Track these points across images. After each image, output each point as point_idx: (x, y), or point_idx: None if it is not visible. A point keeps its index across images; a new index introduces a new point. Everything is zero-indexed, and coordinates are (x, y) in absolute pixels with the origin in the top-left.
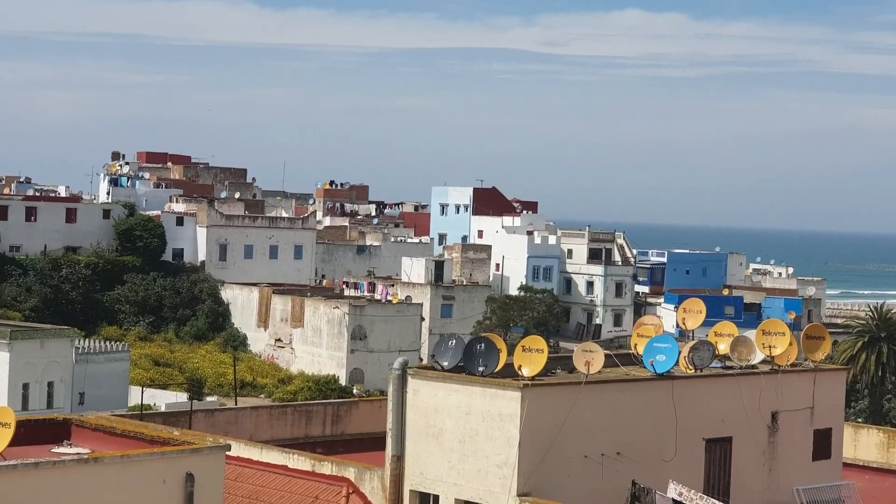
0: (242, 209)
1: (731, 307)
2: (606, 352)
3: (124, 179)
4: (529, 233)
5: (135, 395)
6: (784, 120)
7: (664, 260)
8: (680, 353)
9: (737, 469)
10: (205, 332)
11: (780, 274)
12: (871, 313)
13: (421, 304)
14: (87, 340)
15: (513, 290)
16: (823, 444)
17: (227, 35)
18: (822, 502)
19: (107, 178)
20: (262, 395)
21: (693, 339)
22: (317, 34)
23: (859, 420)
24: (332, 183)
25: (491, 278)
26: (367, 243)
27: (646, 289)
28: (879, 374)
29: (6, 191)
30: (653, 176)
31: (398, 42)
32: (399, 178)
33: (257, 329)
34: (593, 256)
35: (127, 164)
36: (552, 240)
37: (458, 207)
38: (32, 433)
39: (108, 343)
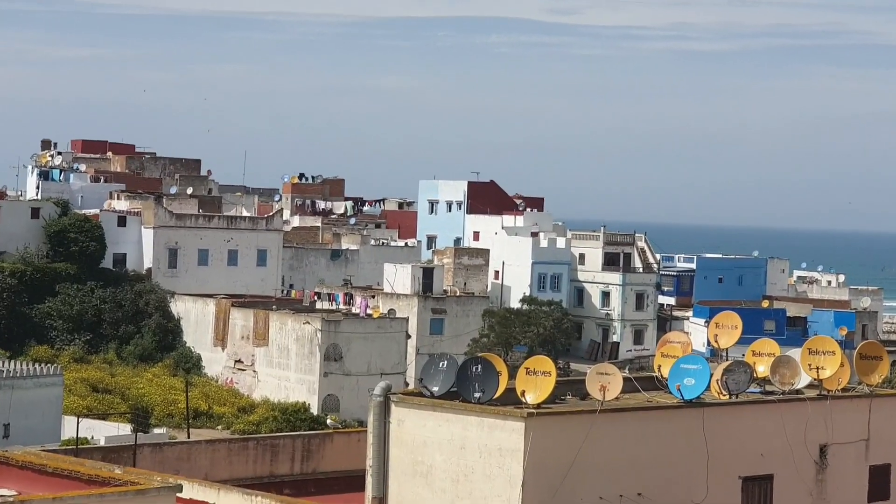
0: (196, 207)
1: (772, 322)
2: (625, 374)
3: (56, 172)
4: (534, 234)
5: (69, 427)
6: (834, 102)
7: (693, 266)
8: (712, 375)
9: None
10: (151, 353)
11: (829, 282)
12: None
13: (406, 319)
14: (11, 362)
15: (515, 303)
16: (881, 483)
17: (177, 1)
18: None
19: (35, 171)
20: (219, 427)
21: (727, 360)
22: (282, 0)
23: None
24: (301, 176)
25: (489, 288)
26: (343, 247)
27: (671, 300)
28: None
29: None
30: (679, 168)
31: (379, 10)
32: (380, 170)
33: (213, 349)
34: (609, 262)
35: (59, 154)
36: (561, 243)
37: (449, 205)
38: None
39: (37, 366)
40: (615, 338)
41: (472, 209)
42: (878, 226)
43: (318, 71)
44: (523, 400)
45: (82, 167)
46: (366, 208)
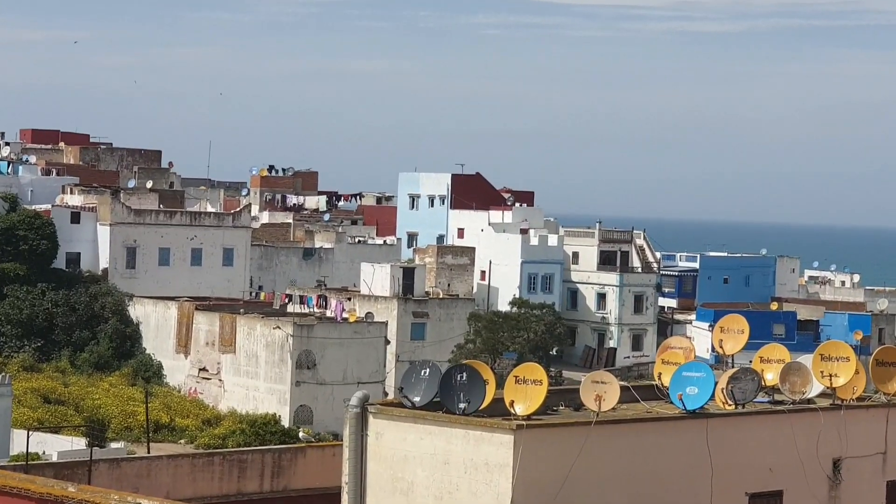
0: (156, 202)
1: (782, 325)
2: (623, 383)
3: (3, 165)
4: (524, 231)
5: (18, 442)
6: (850, 88)
7: (696, 266)
8: (716, 384)
9: None
10: (108, 361)
11: (843, 283)
12: None
13: (385, 324)
14: None
15: (503, 306)
16: None
17: None
18: None
19: None
20: (182, 441)
21: (733, 367)
22: None
23: None
24: (270, 169)
25: (475, 290)
26: (317, 245)
27: (673, 302)
28: None
29: None
30: (681, 159)
31: None
32: (357, 162)
33: (176, 356)
34: (605, 261)
35: (6, 144)
36: (553, 240)
37: (432, 199)
38: None
39: None
40: (612, 343)
41: (456, 204)
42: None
43: (290, 54)
44: (512, 411)
45: (32, 159)
46: (341, 203)
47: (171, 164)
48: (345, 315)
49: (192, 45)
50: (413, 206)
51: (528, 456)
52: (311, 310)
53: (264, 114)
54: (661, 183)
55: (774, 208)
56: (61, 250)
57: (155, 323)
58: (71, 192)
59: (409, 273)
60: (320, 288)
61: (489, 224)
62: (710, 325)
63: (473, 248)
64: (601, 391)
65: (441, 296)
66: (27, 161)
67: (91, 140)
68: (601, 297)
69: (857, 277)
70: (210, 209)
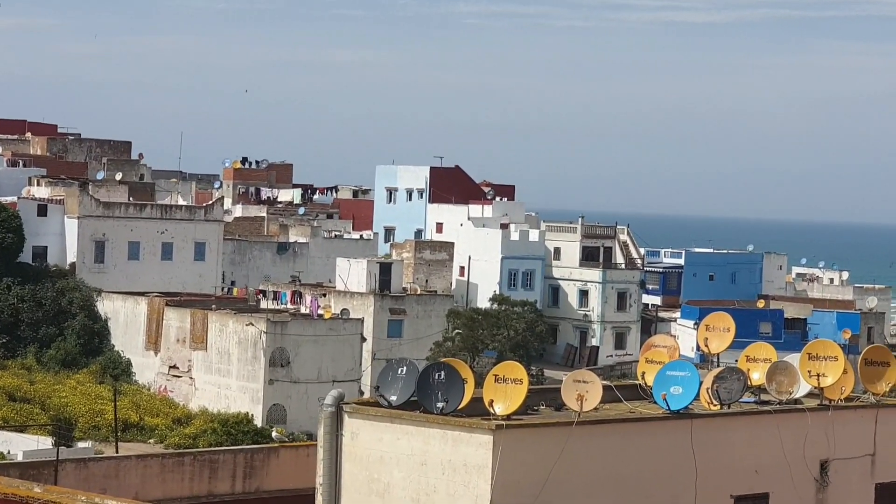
0: (126, 195)
1: (768, 324)
2: (605, 382)
3: None
4: (504, 226)
5: None
6: (840, 81)
7: (681, 262)
8: (701, 384)
9: None
10: (76, 357)
11: (831, 280)
12: None
13: (361, 320)
14: None
15: (482, 302)
16: (888, 503)
17: None
18: None
19: None
20: (151, 440)
21: (718, 366)
22: None
23: None
24: (244, 161)
25: (454, 286)
26: (291, 240)
27: (657, 300)
28: None
29: None
30: (666, 153)
31: None
32: (333, 154)
33: (145, 353)
34: (588, 257)
35: None
36: (534, 235)
37: (409, 193)
38: None
39: None
40: (594, 342)
41: (434, 198)
42: (885, 218)
43: (264, 43)
44: (491, 411)
45: None
46: (316, 196)
47: (141, 155)
48: (320, 311)
49: (163, 33)
50: (390, 200)
51: (507, 457)
52: (285, 306)
53: (238, 105)
54: (645, 177)
55: (762, 203)
56: (27, 244)
57: (124, 319)
58: (38, 184)
59: (385, 269)
60: (294, 283)
61: (468, 218)
62: (695, 323)
63: (452, 244)
64: (583, 390)
65: (419, 292)
66: None
67: (59, 131)
68: (583, 294)
69: (845, 275)
70: (181, 202)
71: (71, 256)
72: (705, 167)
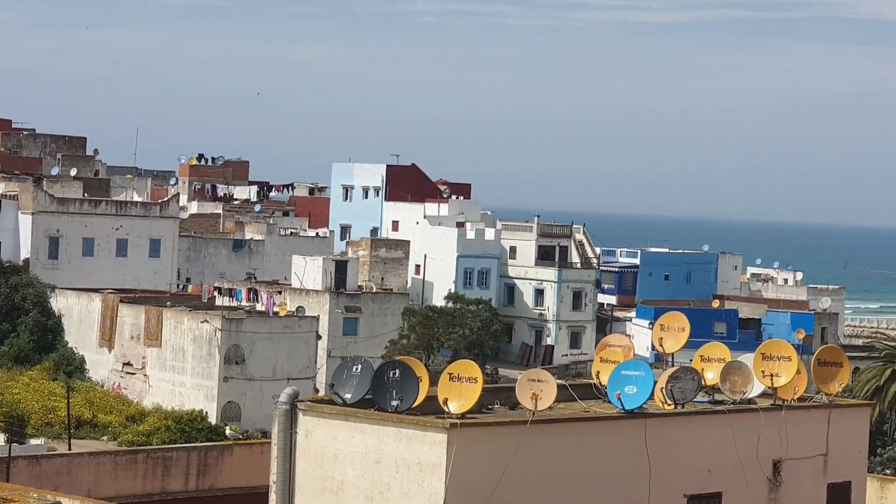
0: (80, 191)
1: (723, 324)
2: (560, 381)
3: None
4: (460, 225)
5: None
6: (796, 82)
7: (636, 261)
8: (655, 383)
9: None
10: (28, 354)
11: (786, 281)
12: None
13: (317, 318)
14: None
15: (438, 301)
16: (840, 503)
17: None
18: None
19: None
20: (104, 438)
21: (673, 366)
22: None
23: (887, 472)
24: (200, 158)
25: (409, 284)
26: (247, 237)
27: (612, 299)
28: None
29: None
30: (623, 153)
31: None
32: (289, 151)
33: (99, 349)
34: (544, 256)
35: None
36: (490, 234)
37: (366, 191)
38: None
39: None
40: (549, 340)
41: (390, 196)
42: (840, 218)
43: (220, 40)
44: (446, 409)
45: None
46: (272, 194)
47: (96, 151)
48: (275, 309)
49: (120, 28)
50: (346, 198)
51: (461, 455)
52: (241, 303)
53: (194, 101)
54: (601, 176)
55: (717, 204)
56: None
57: (78, 315)
58: None
59: (341, 266)
60: (250, 281)
61: (424, 217)
62: (650, 323)
63: (408, 242)
64: (537, 389)
65: (374, 290)
66: None
67: (13, 126)
68: (539, 293)
69: (800, 275)
70: (136, 198)
71: (25, 252)
72: (661, 167)
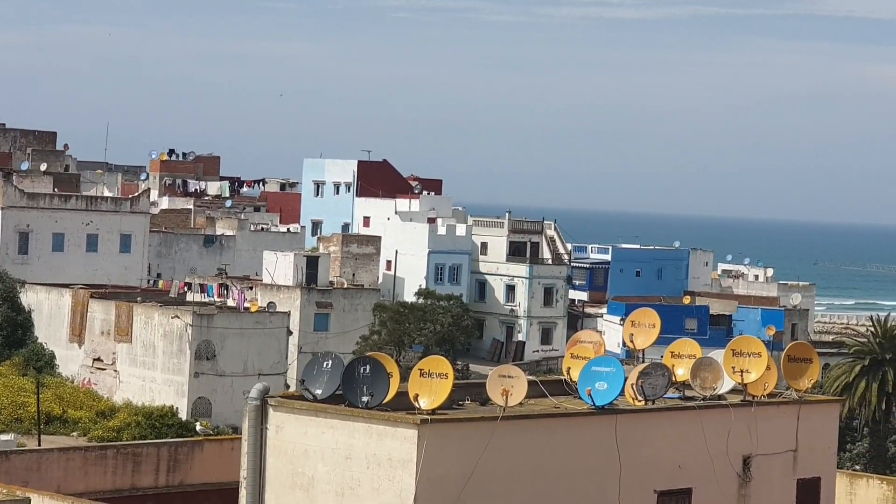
0: (50, 186)
1: (694, 320)
2: (531, 378)
3: None
4: (431, 220)
5: None
6: (766, 80)
7: (608, 258)
8: (626, 379)
9: None
10: None
11: (756, 277)
12: (872, 328)
13: (287, 314)
14: None
15: (409, 297)
16: (809, 499)
17: None
18: None
19: None
20: (74, 433)
21: (643, 362)
22: None
23: (857, 467)
24: (171, 153)
25: (380, 280)
26: (218, 232)
27: (583, 295)
28: (883, 407)
29: None
30: (594, 149)
31: None
32: (261, 147)
33: (69, 345)
34: (515, 252)
35: None
36: (461, 230)
37: (337, 186)
38: None
39: None
40: (520, 337)
41: (362, 191)
42: (810, 215)
43: (192, 35)
44: (416, 405)
45: None
46: (243, 189)
47: (66, 146)
48: (246, 304)
49: (91, 22)
50: (318, 194)
51: (432, 451)
52: (212, 299)
53: (165, 96)
54: (573, 173)
55: (688, 200)
56: None
57: (48, 311)
58: None
59: (312, 262)
60: (221, 276)
61: (396, 212)
62: (621, 319)
63: (379, 238)
64: (508, 385)
65: (345, 286)
66: None
67: None
68: (510, 289)
69: (770, 272)
70: (107, 194)
71: None
72: (632, 163)
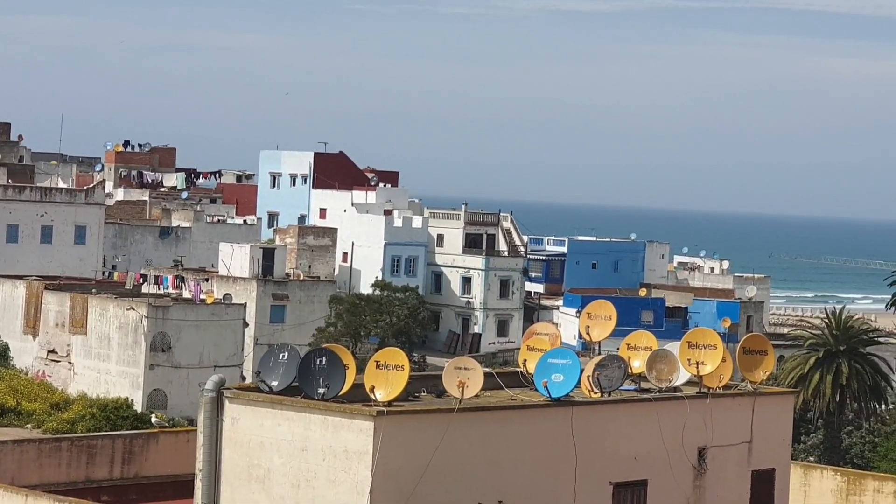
0: (4, 177)
1: (650, 312)
2: (487, 370)
3: None
4: (387, 212)
5: None
6: (723, 73)
7: (564, 250)
8: (582, 371)
9: None
10: None
11: (712, 269)
12: (826, 321)
13: (244, 306)
14: None
15: (365, 288)
16: (764, 490)
17: None
18: None
19: None
20: (28, 426)
21: (599, 354)
22: None
23: (811, 459)
24: (126, 144)
25: (337, 272)
26: (174, 224)
27: (539, 287)
28: (837, 399)
29: None
30: (550, 142)
31: None
32: (217, 139)
33: (23, 337)
34: (471, 244)
35: None
36: (417, 222)
37: (293, 178)
38: None
39: None
40: (476, 329)
41: (318, 183)
42: (766, 208)
43: (147, 25)
44: (373, 397)
45: None
46: (200, 181)
47: (20, 137)
48: (202, 296)
49: (45, 13)
50: (274, 185)
51: (388, 443)
52: (167, 291)
53: (120, 87)
54: (529, 165)
55: (645, 192)
56: None
57: (1, 302)
58: None
59: (269, 254)
60: (177, 268)
61: (352, 204)
62: (577, 311)
63: (335, 229)
64: (464, 377)
65: (302, 278)
66: None
67: None
68: (466, 281)
69: (726, 264)
70: (62, 185)
71: None
72: (589, 156)
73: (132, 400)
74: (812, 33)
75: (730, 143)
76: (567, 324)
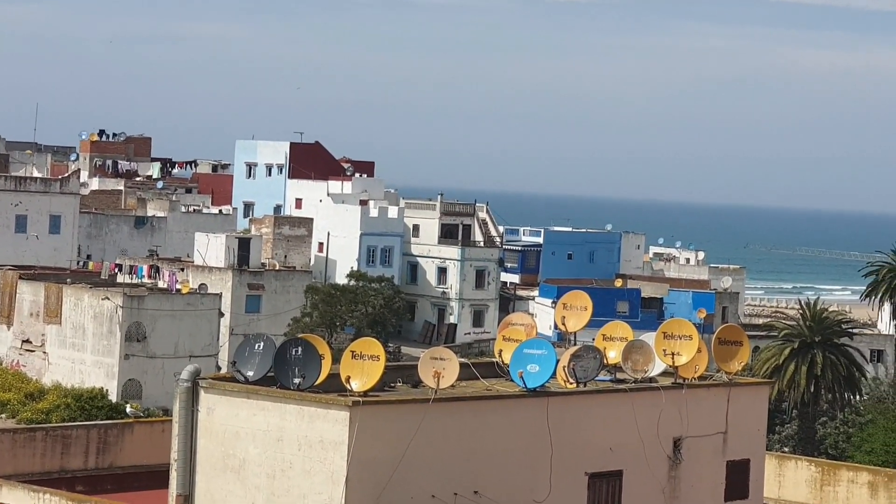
0: None
1: (626, 303)
2: (462, 360)
3: None
4: (363, 202)
5: None
6: (697, 63)
7: (539, 240)
8: (558, 362)
9: None
10: None
11: (687, 260)
12: (801, 311)
13: (219, 295)
14: None
15: (341, 279)
16: (739, 480)
17: None
18: None
19: None
20: (3, 416)
21: (575, 345)
22: None
23: (785, 449)
24: (101, 133)
25: (312, 262)
26: (149, 214)
27: (515, 278)
28: (812, 390)
29: None
30: (526, 132)
31: None
32: (192, 128)
33: None
34: (447, 235)
35: None
36: (393, 212)
37: (269, 168)
38: None
39: None
40: (452, 319)
41: (294, 173)
42: (741, 199)
43: (123, 14)
44: (348, 387)
45: None
46: (175, 171)
47: None
48: (177, 286)
49: (18, 2)
50: (250, 175)
51: (364, 433)
52: (142, 280)
53: (95, 76)
54: (504, 155)
55: (621, 183)
56: None
57: None
58: None
59: (244, 244)
60: (152, 258)
61: (328, 195)
62: (553, 302)
63: (311, 220)
64: (440, 368)
65: (277, 267)
66: None
67: None
68: (442, 272)
69: (701, 255)
70: (36, 174)
71: None
72: (565, 146)
73: (107, 390)
74: (787, 24)
75: (706, 134)
76: (543, 314)
